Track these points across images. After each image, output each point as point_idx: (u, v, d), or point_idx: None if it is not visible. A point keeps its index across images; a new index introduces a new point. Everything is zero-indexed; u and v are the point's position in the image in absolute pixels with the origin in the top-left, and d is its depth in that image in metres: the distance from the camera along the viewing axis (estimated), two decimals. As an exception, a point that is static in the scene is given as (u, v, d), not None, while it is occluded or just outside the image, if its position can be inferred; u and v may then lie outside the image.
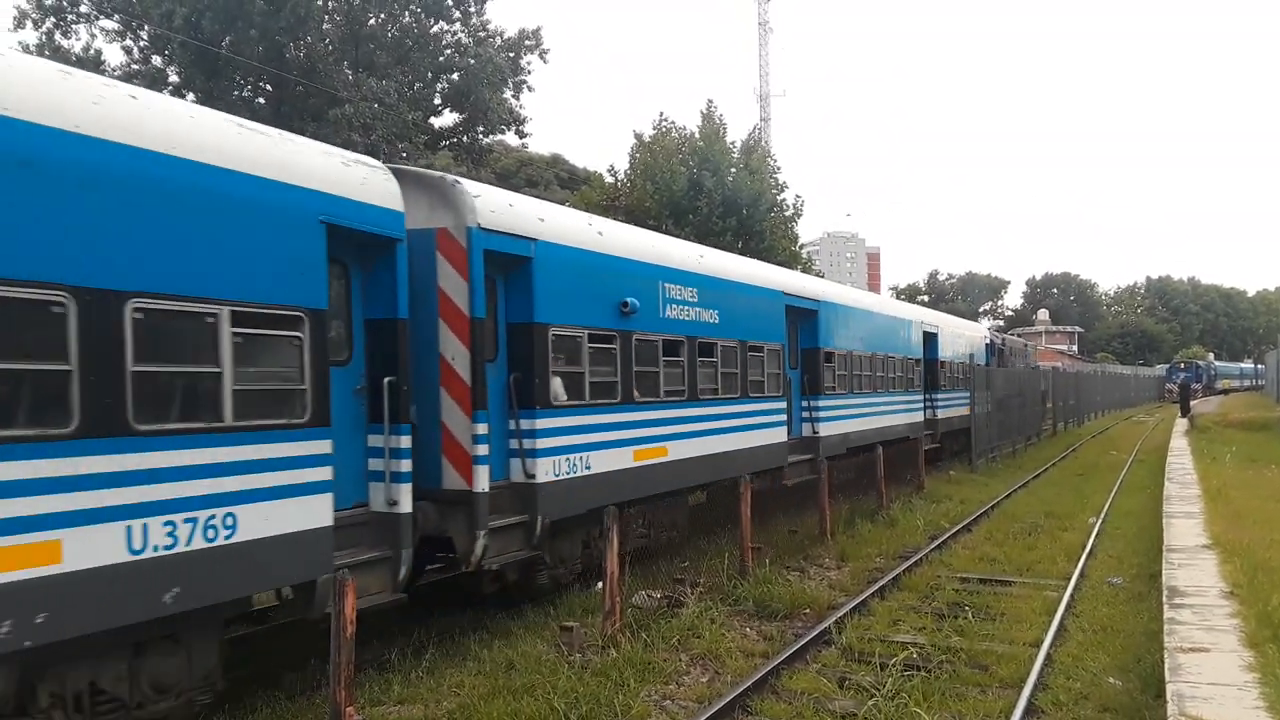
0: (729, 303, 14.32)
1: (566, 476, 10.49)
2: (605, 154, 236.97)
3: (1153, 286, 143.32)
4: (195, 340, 6.62)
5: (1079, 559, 13.56)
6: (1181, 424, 42.14)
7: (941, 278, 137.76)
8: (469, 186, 9.76)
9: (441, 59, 42.32)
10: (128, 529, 6.05)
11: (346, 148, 33.36)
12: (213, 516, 6.59)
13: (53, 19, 36.86)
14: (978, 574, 13.01)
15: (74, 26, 37.78)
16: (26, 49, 36.75)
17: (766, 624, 10.66)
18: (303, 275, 7.39)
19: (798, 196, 41.54)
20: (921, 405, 23.93)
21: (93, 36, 40.39)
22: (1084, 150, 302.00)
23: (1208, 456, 24.89)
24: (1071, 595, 11.39)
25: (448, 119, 45.15)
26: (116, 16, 37.24)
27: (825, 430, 17.76)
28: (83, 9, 37.35)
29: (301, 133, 37.10)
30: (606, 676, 8.28)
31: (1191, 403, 51.03)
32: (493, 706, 7.60)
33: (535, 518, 9.99)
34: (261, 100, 38.95)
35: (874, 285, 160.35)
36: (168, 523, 6.29)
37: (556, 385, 10.47)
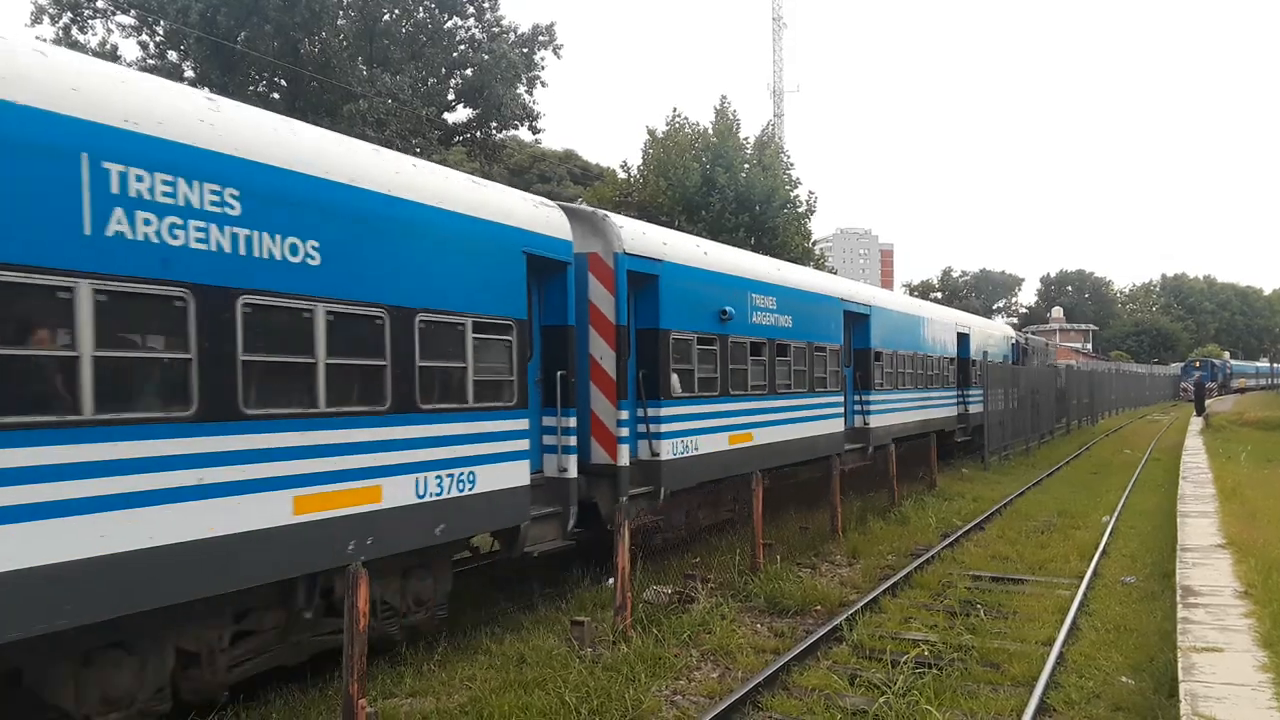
0: (800, 309, 16.45)
1: (682, 456, 12.68)
2: (618, 149, 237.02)
3: (1168, 284, 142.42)
4: (452, 343, 8.90)
5: (1092, 558, 13.50)
6: (1196, 423, 41.89)
7: (955, 275, 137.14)
8: (615, 219, 12.04)
9: (455, 54, 42.37)
10: (416, 480, 8.38)
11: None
12: (463, 473, 8.93)
13: (69, 14, 37.07)
14: (990, 572, 12.97)
15: (90, 21, 37.99)
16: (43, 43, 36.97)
17: (777, 620, 10.66)
18: (512, 293, 9.74)
19: (811, 193, 41.48)
20: (955, 400, 25.48)
21: (109, 31, 40.62)
22: (1100, 147, 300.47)
23: (1223, 455, 24.75)
24: (1084, 594, 11.35)
25: (461, 114, 45.20)
26: (133, 12, 37.42)
27: (875, 422, 19.73)
28: (99, 4, 37.55)
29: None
30: (617, 671, 8.30)
31: (1206, 401, 50.66)
32: (504, 700, 7.62)
33: (659, 488, 12.15)
34: (276, 95, 39.09)
35: (887, 282, 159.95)
36: (438, 477, 8.63)
37: (674, 380, 12.63)
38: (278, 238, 7.13)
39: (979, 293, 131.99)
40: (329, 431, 7.54)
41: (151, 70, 37.31)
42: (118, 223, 6.03)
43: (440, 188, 9.01)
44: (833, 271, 44.49)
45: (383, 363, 7.99)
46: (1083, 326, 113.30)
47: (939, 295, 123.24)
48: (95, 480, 5.87)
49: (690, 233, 22.14)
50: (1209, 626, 8.47)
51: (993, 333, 33.11)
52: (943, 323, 26.10)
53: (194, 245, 6.48)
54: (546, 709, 7.49)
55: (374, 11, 39.40)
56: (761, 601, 11.14)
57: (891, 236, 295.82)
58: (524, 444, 9.82)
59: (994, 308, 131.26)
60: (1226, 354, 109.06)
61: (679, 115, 40.14)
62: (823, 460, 16.24)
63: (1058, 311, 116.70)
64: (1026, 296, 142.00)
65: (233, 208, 6.78)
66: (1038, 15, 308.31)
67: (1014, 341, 35.52)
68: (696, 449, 13.01)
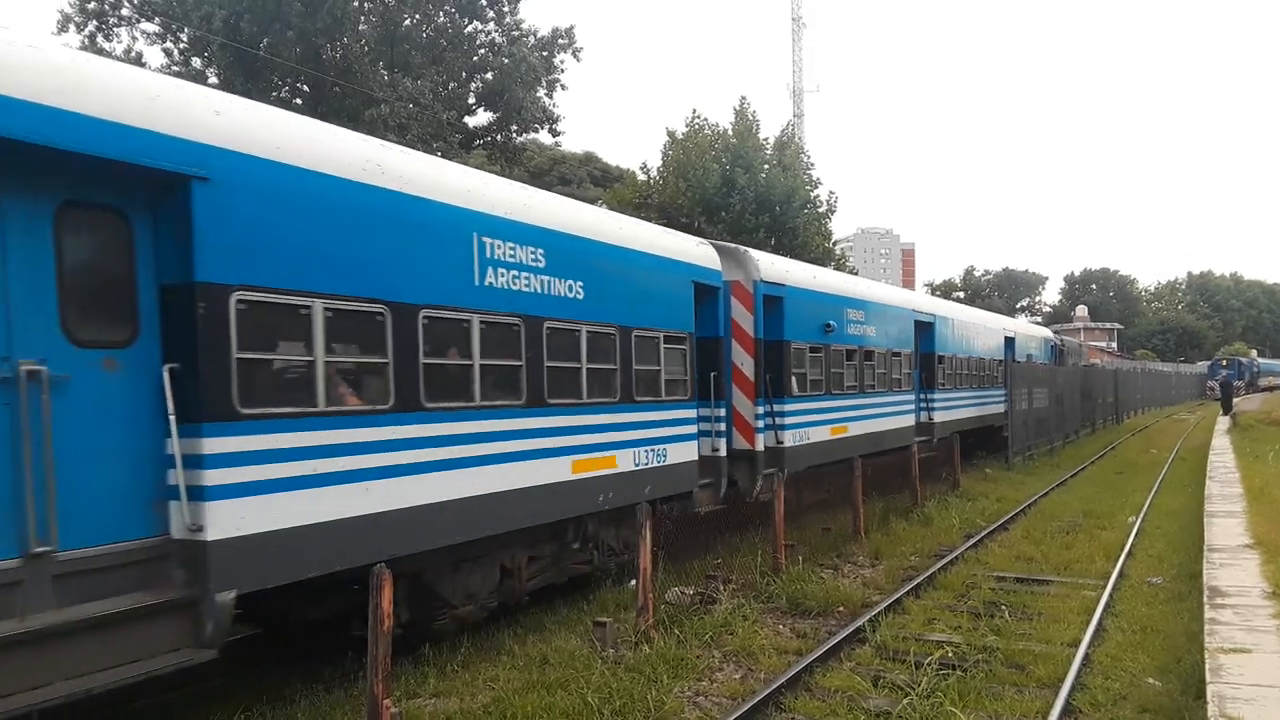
0: (881, 321, 19.41)
1: (799, 444, 15.54)
2: (638, 151, 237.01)
3: (1194, 282, 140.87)
4: (651, 351, 11.90)
5: (1118, 558, 13.39)
6: (1223, 422, 41.43)
7: (978, 274, 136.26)
8: (754, 254, 15.15)
9: (475, 58, 42.55)
10: (634, 453, 11.46)
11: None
12: (659, 449, 11.98)
13: (95, 22, 37.54)
14: (1014, 573, 12.89)
15: (115, 29, 38.44)
16: (70, 52, 37.44)
17: (800, 621, 10.64)
18: (687, 313, 12.86)
19: (831, 193, 41.36)
20: (1004, 398, 27.08)
21: (134, 39, 41.09)
22: (1124, 144, 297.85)
23: (1250, 455, 24.47)
24: (1110, 595, 11.26)
25: (482, 118, 45.37)
26: (157, 19, 37.83)
27: (938, 417, 22.45)
28: (124, 12, 37.98)
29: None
30: (639, 672, 8.32)
31: (1234, 400, 50.05)
32: (527, 700, 7.66)
33: (783, 469, 14.60)
34: (299, 101, 39.40)
35: (908, 282, 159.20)
36: (645, 451, 11.67)
37: (793, 381, 15.44)
38: (564, 281, 10.20)
39: (1002, 292, 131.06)
40: (589, 415, 10.61)
41: (177, 77, 37.71)
42: (490, 277, 9.12)
43: (643, 237, 12.38)
44: (854, 272, 44.37)
45: (614, 367, 11.08)
46: (1108, 325, 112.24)
47: (961, 295, 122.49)
48: (481, 445, 8.96)
49: (710, 234, 26.09)
50: (1236, 627, 8.39)
51: (1034, 335, 36.62)
52: (992, 328, 29.47)
53: (523, 289, 9.59)
54: (569, 710, 7.52)
55: (395, 16, 39.64)
56: (784, 602, 11.13)
57: (913, 236, 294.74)
58: (694, 429, 13.01)
59: (1017, 307, 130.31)
60: (1254, 352, 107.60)
61: (698, 116, 40.16)
62: (879, 451, 18.97)
63: (1082, 310, 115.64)
64: (1050, 295, 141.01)
65: (540, 262, 9.82)
66: (1061, 12, 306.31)
67: (1053, 344, 38.51)
68: (808, 438, 15.86)
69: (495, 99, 42.51)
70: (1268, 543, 12.14)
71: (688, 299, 12.87)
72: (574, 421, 10.29)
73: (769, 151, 39.48)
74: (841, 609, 10.98)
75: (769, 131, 43.07)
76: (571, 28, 43.11)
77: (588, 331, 10.52)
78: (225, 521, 6.51)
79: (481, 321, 8.96)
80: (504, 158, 46.63)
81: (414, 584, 8.81)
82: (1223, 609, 9.05)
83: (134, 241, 6.40)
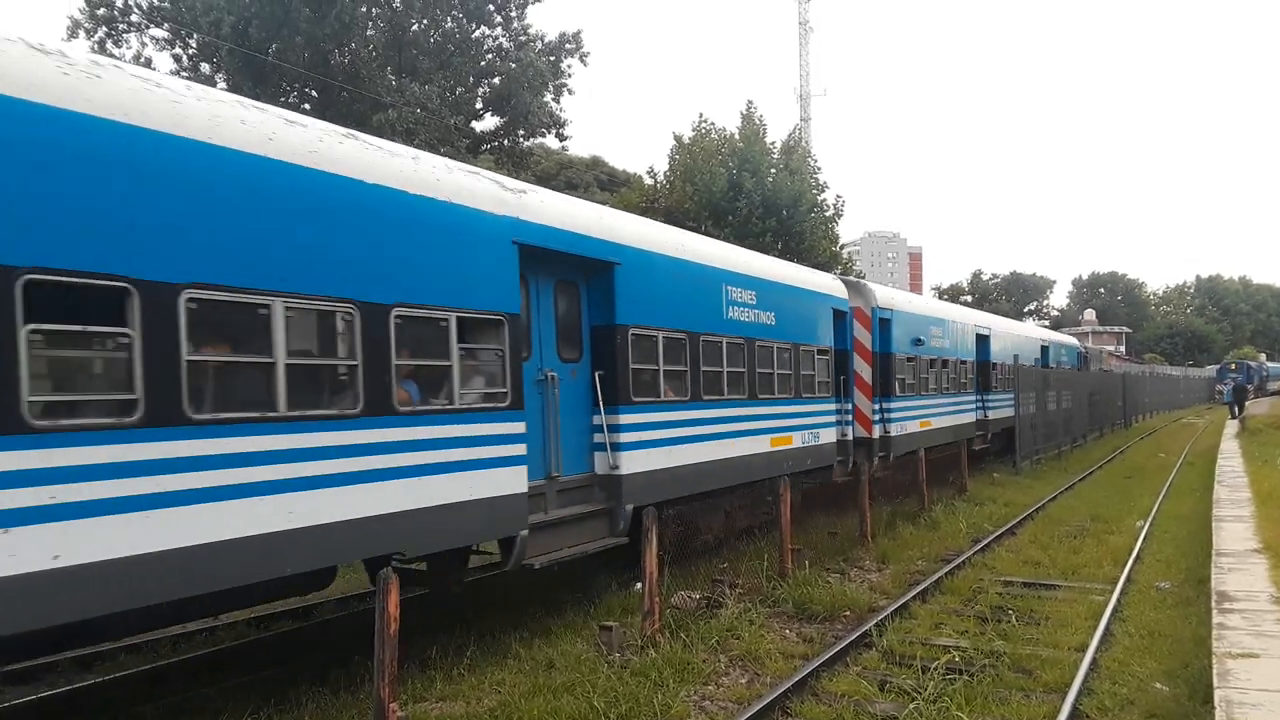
0: (955, 335, 24.13)
1: (900, 434, 19.58)
2: (645, 156, 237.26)
3: (1202, 286, 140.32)
4: (813, 361, 16.04)
5: (1126, 563, 13.35)
6: (1232, 426, 41.29)
7: (985, 277, 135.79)
8: (872, 286, 19.82)
9: (483, 63, 42.65)
10: (801, 434, 15.49)
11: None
12: (814, 433, 16.07)
13: (104, 28, 37.73)
14: (1022, 577, 12.87)
15: (125, 35, 38.63)
16: (80, 58, 37.66)
17: (806, 626, 10.64)
18: (830, 332, 17.11)
19: (838, 196, 41.36)
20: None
21: (143, 45, 41.27)
22: (1133, 147, 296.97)
23: (1259, 459, 24.36)
24: (1118, 600, 11.23)
25: (489, 123, 45.46)
26: (166, 25, 38.02)
27: (992, 415, 26.64)
28: (133, 18, 38.17)
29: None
30: (645, 676, 8.32)
31: (1244, 403, 49.89)
32: (533, 704, 7.67)
33: (889, 454, 19.11)
34: (307, 106, 39.53)
35: (915, 286, 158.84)
36: (807, 433, 15.70)
37: (896, 384, 19.48)
38: (765, 312, 14.54)
39: (1009, 295, 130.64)
40: (779, 406, 14.82)
41: (185, 81, 37.86)
42: (730, 312, 13.54)
43: (804, 277, 17.00)
44: (861, 275, 44.33)
45: (790, 372, 15.28)
46: (1116, 329, 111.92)
47: (968, 298, 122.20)
48: (730, 425, 13.34)
49: (716, 237, 27.49)
50: (1244, 632, 8.35)
51: (1064, 343, 41.64)
52: (1032, 338, 34.86)
53: (745, 320, 13.96)
54: (575, 714, 7.53)
55: (403, 22, 39.76)
56: (790, 607, 11.12)
57: (920, 239, 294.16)
58: (835, 419, 17.16)
59: (1025, 310, 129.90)
60: (1262, 356, 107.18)
61: (705, 121, 40.17)
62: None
63: (1090, 314, 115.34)
64: (1058, 299, 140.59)
65: (753, 301, 14.20)
66: (1068, 17, 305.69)
67: (1079, 351, 43.39)
68: (905, 430, 19.97)
69: (502, 104, 42.60)
70: (1276, 547, 12.09)
71: (829, 321, 17.25)
72: (771, 410, 14.59)
73: (776, 155, 39.48)
74: (848, 613, 10.96)
75: (776, 135, 43.14)
76: (579, 33, 43.18)
77: (777, 347, 14.87)
78: (629, 463, 11.03)
79: (727, 342, 13.38)
80: (511, 162, 46.71)
81: (684, 517, 12.83)
82: (1231, 614, 9.02)
83: (580, 300, 10.92)
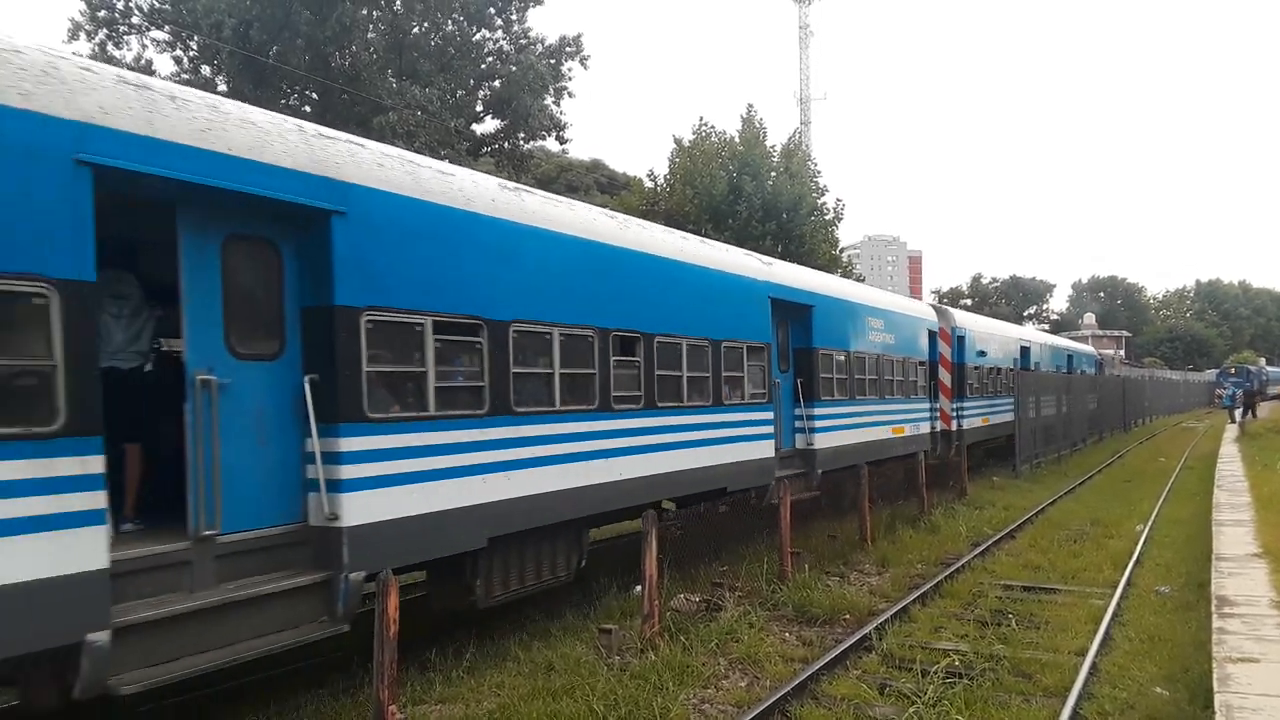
0: (1005, 348, 29.16)
1: (969, 426, 24.06)
2: (645, 159, 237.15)
3: (1202, 290, 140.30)
4: (915, 370, 20.57)
5: (1126, 567, 13.35)
6: (1232, 430, 41.28)
7: (985, 281, 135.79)
8: (954, 311, 25.26)
9: (483, 66, 42.66)
10: (908, 425, 19.94)
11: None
12: (918, 424, 20.62)
13: (105, 30, 37.74)
14: (1022, 581, 12.86)
15: (126, 37, 38.65)
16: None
17: (806, 629, 10.63)
18: (925, 347, 21.65)
19: (838, 200, 41.37)
20: (1065, 402, 35.24)
21: (144, 47, 41.28)
22: (1133, 152, 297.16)
23: (1259, 463, 24.36)
24: (1118, 604, 11.22)
25: (489, 125, 45.46)
26: (167, 27, 38.03)
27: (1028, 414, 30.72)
28: (134, 20, 38.19)
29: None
30: (645, 679, 8.31)
31: (1240, 409, 49.91)
32: (532, 707, 7.66)
33: (962, 444, 22.84)
34: (307, 109, 39.54)
35: (915, 289, 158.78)
36: (914, 425, 20.38)
37: (967, 388, 24.15)
38: (889, 335, 18.91)
39: (1009, 299, 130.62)
40: (893, 404, 18.90)
41: (186, 85, 37.93)
42: (870, 335, 17.97)
43: (910, 305, 22.53)
44: (860, 279, 44.40)
45: (901, 378, 19.40)
46: (1115, 333, 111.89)
47: (968, 302, 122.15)
48: (866, 417, 17.56)
49: (717, 240, 29.40)
50: (1244, 637, 8.35)
51: (1085, 352, 47.01)
52: (1059, 347, 40.54)
53: (877, 340, 18.32)
54: (575, 716, 7.52)
55: (403, 25, 39.77)
56: (790, 610, 11.11)
57: (920, 243, 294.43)
58: (929, 414, 21.43)
59: (1025, 314, 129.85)
60: (1262, 360, 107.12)
61: (705, 124, 40.18)
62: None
63: (1090, 318, 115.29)
64: (1058, 303, 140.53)
65: (882, 327, 18.61)
66: (1068, 21, 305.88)
67: (1096, 359, 48.96)
68: (974, 424, 24.58)
69: (503, 107, 42.62)
70: (1276, 552, 12.08)
71: (926, 339, 21.76)
72: (893, 407, 18.92)
73: (776, 159, 39.49)
74: (848, 617, 10.96)
75: (776, 139, 43.19)
76: (579, 36, 43.19)
77: (894, 360, 19.12)
78: (819, 441, 15.74)
79: (867, 357, 17.79)
80: (511, 165, 46.70)
81: (843, 481, 16.80)
82: (1231, 618, 9.01)
83: (790, 331, 15.59)
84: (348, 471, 7.26)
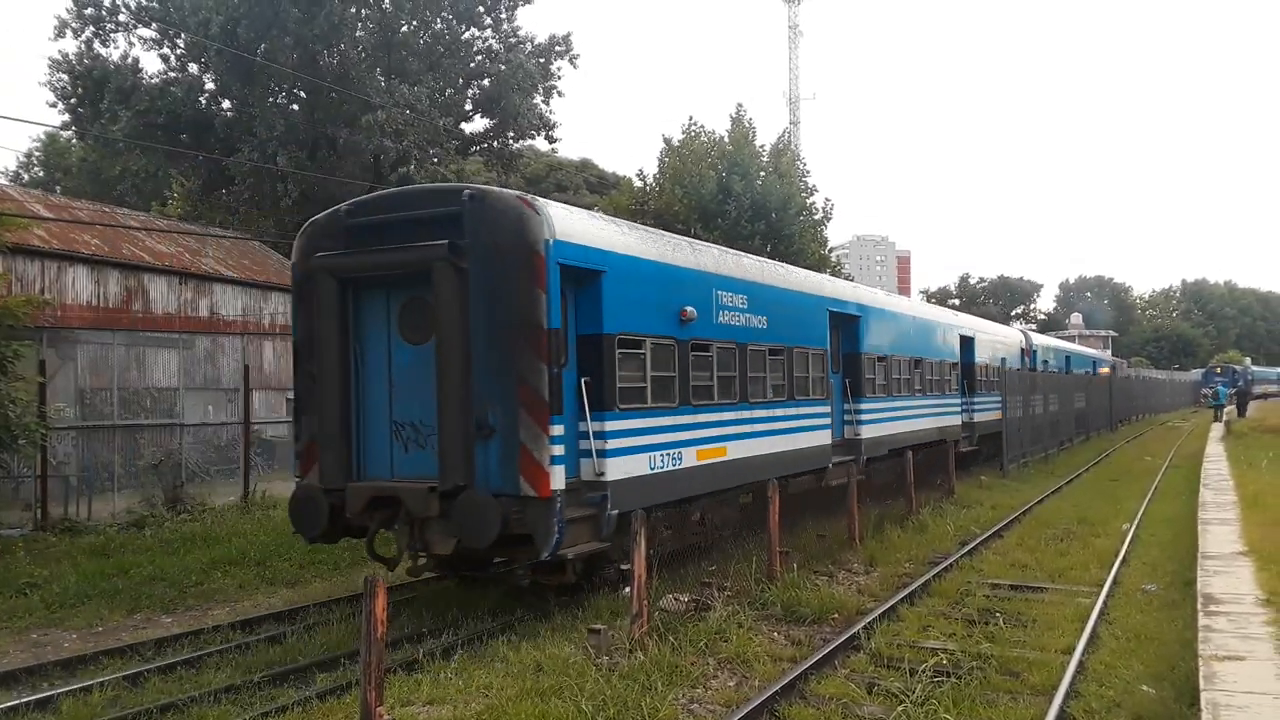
0: (1055, 355, 39.69)
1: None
2: (635, 158, 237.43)
3: (1188, 290, 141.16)
4: (946, 373, 24.46)
5: (1112, 565, 13.39)
6: (1217, 429, 41.53)
7: (973, 281, 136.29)
8: (1032, 333, 38.62)
9: (472, 65, 42.54)
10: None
11: (379, 154, 33.94)
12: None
13: (92, 28, 37.49)
14: (1009, 580, 12.89)
15: (113, 35, 38.38)
16: (66, 57, 37.42)
17: (794, 628, 10.64)
18: (1016, 360, 30.97)
19: (827, 200, 41.66)
20: (1082, 399, 41.33)
21: (130, 45, 41.00)
22: (1120, 152, 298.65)
23: (1244, 462, 24.52)
24: (1105, 602, 11.26)
25: (478, 124, 45.34)
26: (154, 25, 37.80)
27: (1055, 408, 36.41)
28: (121, 18, 37.96)
29: (334, 140, 37.26)
30: (634, 680, 8.29)
31: (1228, 409, 50.29)
32: (520, 708, 7.64)
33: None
34: (295, 107, 39.35)
35: (904, 289, 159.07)
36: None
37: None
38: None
39: (997, 299, 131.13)
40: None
41: (173, 83, 37.72)
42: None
43: (1009, 332, 34.27)
44: (849, 278, 44.56)
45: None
46: (1102, 333, 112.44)
47: (956, 302, 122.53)
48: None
49: (705, 239, 31.03)
50: (1230, 635, 8.40)
51: (1102, 358, 55.85)
52: (1087, 354, 50.56)
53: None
54: (563, 717, 7.50)
55: (392, 23, 39.61)
56: (778, 609, 11.11)
57: (908, 243, 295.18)
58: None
59: (1012, 314, 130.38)
60: (1248, 360, 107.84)
61: (695, 124, 40.23)
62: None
63: (1076, 318, 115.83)
64: (1045, 303, 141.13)
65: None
66: (1055, 21, 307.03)
67: (1111, 363, 57.46)
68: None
69: (492, 105, 42.53)
70: (1261, 550, 12.16)
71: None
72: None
73: (765, 159, 39.58)
74: (836, 616, 10.96)
75: (765, 139, 43.18)
76: (568, 35, 43.14)
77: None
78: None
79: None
80: (500, 164, 46.60)
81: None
82: (1217, 616, 9.07)
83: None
84: (864, 416, 17.84)
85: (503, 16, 42.51)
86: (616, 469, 10.73)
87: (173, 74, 38.66)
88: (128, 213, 32.80)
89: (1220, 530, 14.24)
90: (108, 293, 24.62)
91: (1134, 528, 16.79)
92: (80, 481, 17.68)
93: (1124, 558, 14.08)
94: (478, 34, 42.87)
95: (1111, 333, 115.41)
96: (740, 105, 39.99)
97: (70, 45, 37.33)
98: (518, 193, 10.69)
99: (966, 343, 25.79)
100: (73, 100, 37.91)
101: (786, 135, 46.22)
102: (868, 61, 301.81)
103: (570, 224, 10.54)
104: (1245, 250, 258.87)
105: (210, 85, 38.94)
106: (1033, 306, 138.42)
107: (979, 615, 10.90)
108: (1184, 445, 37.89)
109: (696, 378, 12.56)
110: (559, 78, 43.94)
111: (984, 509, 19.14)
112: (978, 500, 20.25)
